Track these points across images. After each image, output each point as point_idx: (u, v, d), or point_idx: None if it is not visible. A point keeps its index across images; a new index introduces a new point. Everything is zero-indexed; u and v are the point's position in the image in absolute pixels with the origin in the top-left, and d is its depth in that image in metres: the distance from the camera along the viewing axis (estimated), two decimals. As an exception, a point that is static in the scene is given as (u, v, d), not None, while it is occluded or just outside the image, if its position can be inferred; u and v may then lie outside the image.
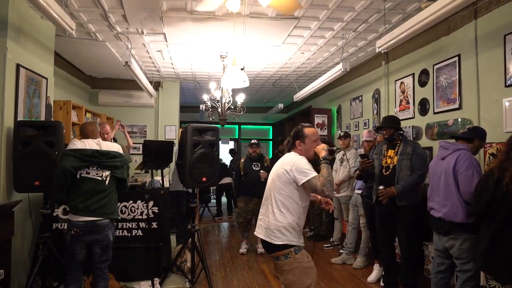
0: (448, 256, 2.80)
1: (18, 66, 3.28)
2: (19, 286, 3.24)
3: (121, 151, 3.14)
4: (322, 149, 2.27)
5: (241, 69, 3.70)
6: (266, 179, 4.59)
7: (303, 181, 2.14)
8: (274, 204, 2.23)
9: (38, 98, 3.68)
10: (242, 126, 11.72)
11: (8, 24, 3.12)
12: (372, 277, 4.02)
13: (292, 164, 2.20)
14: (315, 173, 2.15)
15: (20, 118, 3.32)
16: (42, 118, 3.77)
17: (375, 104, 5.57)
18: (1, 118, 3.10)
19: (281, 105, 8.32)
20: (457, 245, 2.67)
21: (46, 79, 3.83)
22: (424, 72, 4.34)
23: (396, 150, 3.46)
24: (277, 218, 2.20)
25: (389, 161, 3.49)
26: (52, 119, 4.10)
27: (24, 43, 3.41)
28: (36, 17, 3.62)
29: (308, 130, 2.33)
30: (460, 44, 3.72)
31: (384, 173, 3.49)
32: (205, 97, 5.73)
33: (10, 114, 3.20)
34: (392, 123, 3.52)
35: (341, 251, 4.89)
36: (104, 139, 4.53)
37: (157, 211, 3.77)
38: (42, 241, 3.19)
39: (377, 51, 3.84)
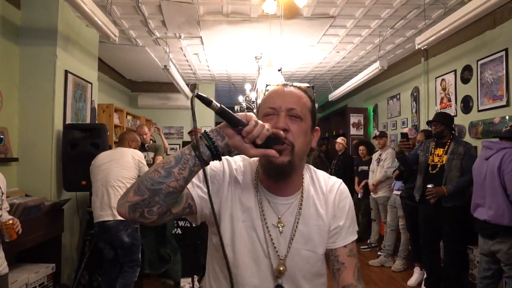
0: (495, 260, 2.67)
1: (66, 72, 3.48)
2: (68, 280, 3.43)
3: (140, 158, 3.13)
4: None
5: (278, 70, 3.71)
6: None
7: None
8: None
9: (83, 102, 3.89)
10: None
11: (57, 33, 3.32)
12: (412, 281, 3.90)
13: None
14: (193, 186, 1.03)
15: (68, 121, 3.52)
16: (88, 121, 3.97)
17: (413, 102, 5.40)
18: (51, 121, 3.30)
19: (315, 105, 8.24)
20: (505, 249, 2.54)
21: (91, 84, 4.03)
22: (467, 68, 4.16)
23: (445, 149, 3.32)
24: None
25: (436, 159, 3.36)
26: (96, 122, 4.32)
27: (71, 51, 3.61)
28: (82, 25, 3.82)
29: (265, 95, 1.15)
30: (508, 37, 3.53)
31: (431, 171, 3.36)
32: (240, 98, 5.80)
33: (59, 118, 3.40)
34: (444, 119, 3.37)
35: (379, 253, 4.79)
36: (143, 139, 4.75)
37: (195, 210, 3.85)
38: (88, 237, 3.36)
39: (416, 48, 3.72)
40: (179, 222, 3.82)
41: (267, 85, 1.17)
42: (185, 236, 3.81)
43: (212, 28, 4.25)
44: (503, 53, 3.57)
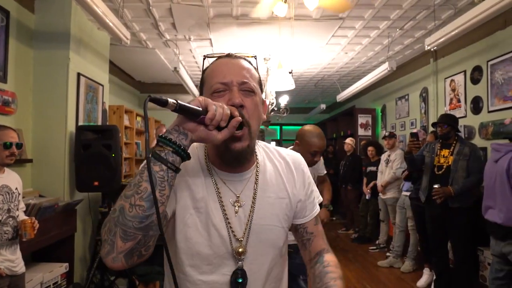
0: (507, 262, 2.66)
1: (78, 75, 3.53)
2: (81, 279, 3.49)
3: None
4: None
5: (289, 73, 3.73)
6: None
7: None
8: None
9: (95, 103, 3.94)
10: (283, 127, 11.74)
11: (70, 37, 3.38)
12: (422, 282, 3.90)
13: None
14: None
15: (80, 123, 3.57)
16: (99, 122, 4.03)
17: (422, 103, 5.39)
18: (65, 123, 3.35)
19: (323, 106, 8.24)
20: (516, 251, 2.54)
21: (102, 86, 4.09)
22: (477, 69, 4.14)
23: (451, 150, 3.32)
24: None
25: (442, 160, 3.36)
26: (107, 123, 4.38)
27: (83, 53, 3.67)
28: (93, 28, 3.88)
29: (209, 68, 0.96)
30: (518, 38, 3.52)
31: (437, 172, 3.36)
32: (249, 99, 5.82)
33: (72, 119, 3.46)
34: (449, 120, 3.38)
35: (387, 254, 4.78)
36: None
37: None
38: (100, 237, 3.40)
39: (426, 49, 3.72)
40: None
41: (205, 56, 1.04)
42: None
43: (222, 30, 4.28)
44: (514, 53, 3.55)
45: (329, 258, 1.00)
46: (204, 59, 1.03)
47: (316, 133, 2.29)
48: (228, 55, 0.94)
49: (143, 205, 0.72)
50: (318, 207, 1.07)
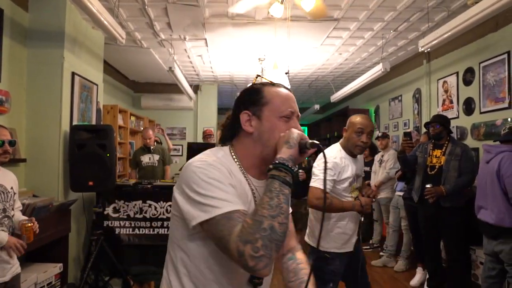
0: (499, 260, 2.70)
1: (73, 74, 3.51)
2: (75, 280, 3.47)
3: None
4: (288, 139, 0.97)
5: (286, 73, 3.74)
6: (304, 179, 4.65)
7: (197, 220, 0.90)
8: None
9: (90, 103, 3.92)
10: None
11: (65, 36, 3.35)
12: (415, 281, 3.94)
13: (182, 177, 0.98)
14: (234, 203, 0.91)
15: (74, 122, 3.55)
16: (93, 122, 4.01)
17: (415, 104, 5.44)
18: (59, 122, 3.33)
19: (317, 106, 8.28)
20: (507, 249, 2.58)
21: (97, 85, 4.07)
22: (469, 71, 4.20)
23: (443, 150, 3.37)
24: None
25: (434, 160, 3.40)
26: (102, 123, 4.35)
27: (78, 53, 3.65)
28: (88, 27, 3.85)
29: (271, 91, 1.07)
30: (510, 40, 3.57)
31: (429, 173, 3.41)
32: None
33: (66, 119, 3.44)
34: (442, 120, 3.43)
35: (381, 253, 4.82)
36: (146, 143, 4.80)
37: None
38: (95, 237, 3.39)
39: (420, 50, 3.76)
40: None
41: (258, 76, 1.23)
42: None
43: (217, 30, 4.29)
44: (506, 55, 3.60)
45: (301, 256, 1.19)
46: (256, 77, 1.24)
47: (360, 115, 2.30)
48: (287, 89, 1.11)
49: (286, 222, 0.87)
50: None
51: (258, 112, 1.03)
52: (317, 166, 2.24)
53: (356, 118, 2.25)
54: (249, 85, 1.13)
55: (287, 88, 1.10)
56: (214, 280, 0.98)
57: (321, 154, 1.35)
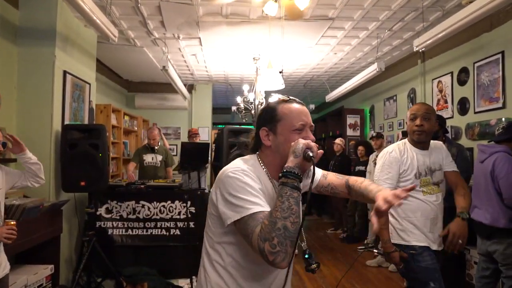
0: (492, 260, 2.70)
1: (65, 72, 3.46)
2: (66, 281, 3.42)
3: None
4: (294, 150, 1.10)
5: (280, 72, 3.72)
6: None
7: (232, 219, 1.08)
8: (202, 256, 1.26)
9: (82, 102, 3.87)
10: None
11: (56, 34, 3.30)
12: (409, 281, 3.93)
13: (219, 182, 1.15)
14: (261, 205, 1.07)
15: (66, 121, 3.50)
16: (86, 121, 3.96)
17: (410, 103, 5.44)
18: (50, 122, 3.28)
19: (312, 106, 8.25)
20: (501, 249, 2.57)
21: (89, 84, 4.02)
22: (464, 70, 4.20)
23: None
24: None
25: None
26: (94, 122, 4.30)
27: (70, 51, 3.60)
28: (80, 26, 3.80)
29: (284, 108, 1.21)
30: (504, 40, 3.58)
31: None
32: (239, 99, 5.80)
33: (58, 118, 3.39)
34: (438, 119, 3.43)
35: (375, 252, 4.81)
36: (151, 143, 4.77)
37: (194, 211, 3.86)
38: (87, 238, 3.34)
39: (414, 50, 3.76)
40: (177, 223, 3.82)
41: (270, 93, 1.42)
42: (184, 237, 3.80)
43: (211, 29, 4.25)
44: (499, 55, 3.61)
45: (356, 179, 1.41)
46: (267, 95, 1.43)
47: (417, 103, 2.29)
48: (301, 103, 1.24)
49: (298, 221, 1.02)
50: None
51: (273, 128, 1.20)
52: (379, 160, 2.22)
53: (413, 107, 2.23)
54: (265, 103, 1.39)
55: (299, 102, 1.24)
56: (246, 268, 1.17)
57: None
